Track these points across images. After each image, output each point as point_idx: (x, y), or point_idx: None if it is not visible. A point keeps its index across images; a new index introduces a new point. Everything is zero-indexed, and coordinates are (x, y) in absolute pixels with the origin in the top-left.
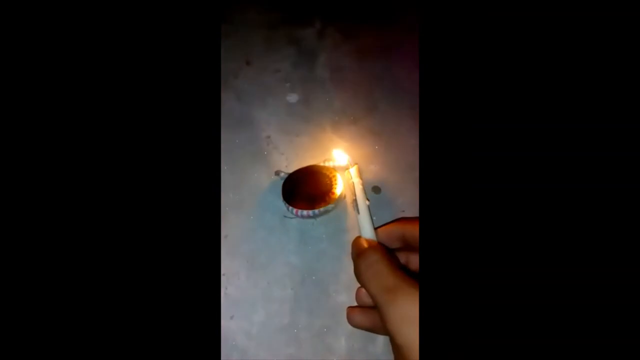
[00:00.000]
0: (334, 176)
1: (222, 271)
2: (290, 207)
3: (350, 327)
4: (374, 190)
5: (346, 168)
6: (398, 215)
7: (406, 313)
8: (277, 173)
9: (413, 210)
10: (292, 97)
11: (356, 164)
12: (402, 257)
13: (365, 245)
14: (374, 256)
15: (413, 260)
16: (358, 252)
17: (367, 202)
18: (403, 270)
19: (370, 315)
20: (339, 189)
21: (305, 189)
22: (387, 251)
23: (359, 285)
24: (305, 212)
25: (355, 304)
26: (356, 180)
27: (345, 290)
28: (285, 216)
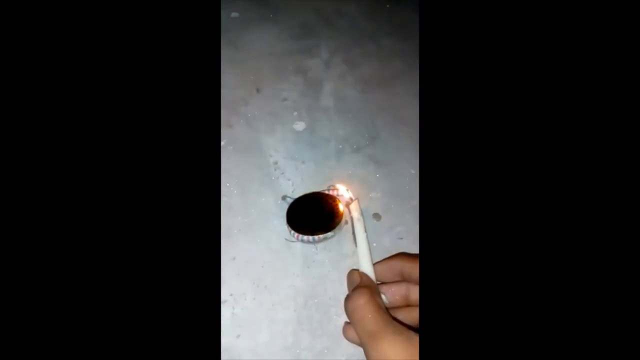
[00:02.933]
0: (336, 205)
1: (230, 292)
2: (293, 232)
3: (349, 349)
4: (374, 217)
5: (348, 203)
6: (396, 242)
7: (385, 356)
8: (283, 198)
9: (411, 238)
10: (299, 125)
11: (357, 198)
12: (403, 289)
13: (358, 280)
14: (360, 300)
15: (413, 291)
16: (348, 292)
17: (366, 234)
18: (387, 313)
19: None
20: (339, 218)
21: (308, 215)
22: (375, 292)
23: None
24: (305, 238)
25: None
26: (355, 215)
27: (345, 314)
28: (287, 239)
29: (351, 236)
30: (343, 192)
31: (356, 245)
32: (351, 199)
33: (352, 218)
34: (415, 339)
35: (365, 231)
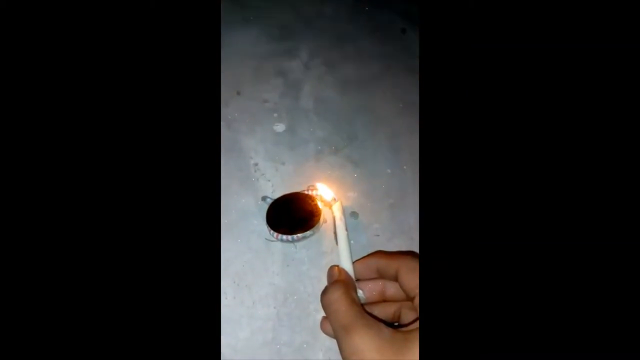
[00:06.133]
0: (315, 205)
1: None
2: (272, 231)
3: (327, 342)
4: (352, 215)
5: (330, 204)
6: (372, 239)
7: (356, 348)
8: (263, 199)
9: (386, 235)
10: (279, 127)
11: (339, 200)
12: (379, 285)
13: (337, 275)
14: (335, 294)
15: (389, 288)
16: (325, 288)
17: (347, 232)
18: (360, 307)
19: None
20: (318, 217)
21: (287, 215)
22: (350, 287)
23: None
24: (285, 237)
25: None
26: (338, 215)
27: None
28: (266, 239)
29: (330, 235)
30: (325, 193)
31: (337, 244)
32: (334, 199)
33: (334, 218)
34: (387, 332)
35: (347, 230)
